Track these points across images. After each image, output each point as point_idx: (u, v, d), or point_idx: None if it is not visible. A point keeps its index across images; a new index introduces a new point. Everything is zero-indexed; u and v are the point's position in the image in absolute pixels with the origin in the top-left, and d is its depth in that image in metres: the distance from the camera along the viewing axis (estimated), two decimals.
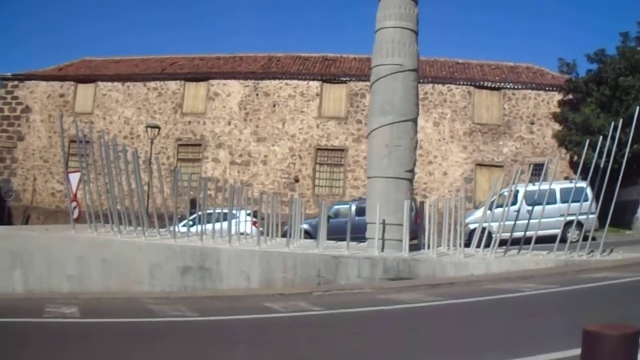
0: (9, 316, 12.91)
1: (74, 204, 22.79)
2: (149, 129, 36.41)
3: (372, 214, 16.34)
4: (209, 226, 17.80)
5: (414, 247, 17.17)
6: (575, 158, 32.90)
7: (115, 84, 40.94)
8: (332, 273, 15.51)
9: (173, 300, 14.59)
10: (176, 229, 17.30)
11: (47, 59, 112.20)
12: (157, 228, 17.72)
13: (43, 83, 42.09)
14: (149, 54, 45.53)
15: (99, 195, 18.36)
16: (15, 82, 42.34)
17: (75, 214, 21.90)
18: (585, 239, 17.55)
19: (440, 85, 37.45)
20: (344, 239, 16.95)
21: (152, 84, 40.40)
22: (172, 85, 40.08)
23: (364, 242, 17.28)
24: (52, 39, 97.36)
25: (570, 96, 35.47)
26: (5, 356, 9.38)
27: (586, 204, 18.70)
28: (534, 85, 37.25)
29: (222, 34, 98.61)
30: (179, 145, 39.55)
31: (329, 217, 21.44)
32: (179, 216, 19.65)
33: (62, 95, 41.44)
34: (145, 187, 23.13)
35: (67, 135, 34.05)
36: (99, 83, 41.24)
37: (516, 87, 37.10)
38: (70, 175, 23.93)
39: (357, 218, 21.64)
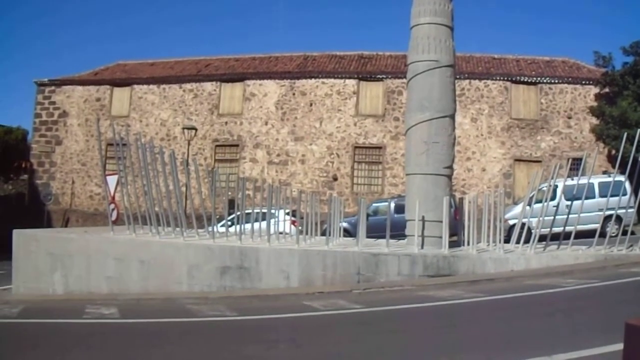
0: (50, 317, 13.04)
1: (112, 206, 22.91)
2: (185, 130, 36.58)
3: (411, 211, 16.23)
4: (248, 226, 17.79)
5: (453, 244, 17.03)
6: (613, 152, 32.49)
7: (151, 86, 41.19)
8: (371, 271, 15.43)
9: (212, 300, 14.59)
10: (215, 230, 17.32)
11: (83, 64, 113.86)
12: (196, 229, 17.73)
13: (79, 88, 42.51)
14: (183, 56, 45.91)
15: (137, 197, 18.41)
16: (52, 88, 42.80)
17: (114, 216, 22.02)
18: (625, 233, 17.24)
19: (477, 81, 37.19)
20: (383, 237, 16.86)
21: (187, 86, 40.56)
22: (208, 86, 40.21)
23: (404, 239, 17.18)
24: (86, 44, 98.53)
25: (607, 89, 35.02)
26: (47, 356, 9.44)
27: (625, 198, 18.39)
28: (570, 79, 36.83)
29: (257, 32, 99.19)
30: (216, 146, 39.67)
31: (368, 215, 21.37)
32: (218, 217, 19.67)
33: (98, 99, 41.80)
34: (183, 189, 23.14)
35: (104, 139, 34.28)
36: (135, 86, 41.53)
37: (553, 81, 36.71)
38: (108, 177, 24.05)
39: (396, 215, 21.57)
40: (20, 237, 17.82)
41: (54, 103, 42.52)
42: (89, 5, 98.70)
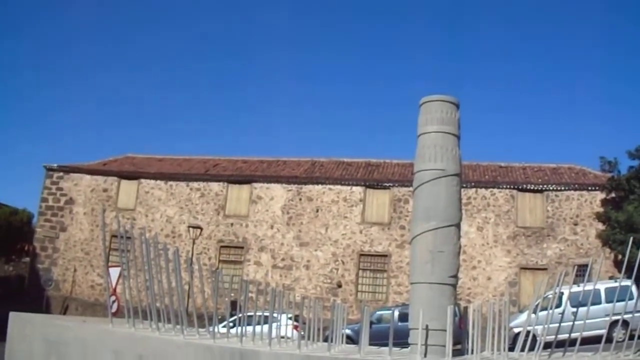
0: None
1: (113, 298, 22.81)
2: (191, 229, 36.67)
3: (415, 319, 16.02)
4: (250, 328, 17.61)
5: (457, 352, 16.76)
6: (620, 257, 32.36)
7: (158, 182, 41.78)
8: None
9: None
10: (215, 330, 17.13)
11: (91, 151, 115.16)
12: (197, 327, 17.54)
13: (87, 177, 43.17)
14: (191, 154, 46.89)
15: (138, 292, 18.30)
16: (61, 174, 43.52)
17: (114, 308, 21.90)
18: (632, 337, 17.03)
19: (483, 190, 37.47)
20: (386, 345, 16.65)
21: (195, 184, 41.04)
22: (215, 186, 40.67)
23: (407, 347, 16.97)
24: (98, 134, 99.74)
25: (613, 194, 35.23)
26: None
27: (631, 303, 18.23)
28: (576, 185, 37.24)
29: (266, 140, 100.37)
30: (221, 246, 39.87)
31: (371, 323, 21.17)
32: (219, 317, 19.48)
33: (105, 190, 42.20)
34: (186, 287, 23.04)
35: (108, 230, 34.46)
36: (142, 180, 42.10)
37: (559, 188, 37.09)
38: (111, 269, 24.01)
39: (400, 324, 21.36)
40: (17, 320, 17.54)
41: (61, 189, 43.11)
42: (103, 92, 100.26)
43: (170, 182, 41.68)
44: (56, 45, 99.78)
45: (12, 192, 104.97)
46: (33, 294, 39.13)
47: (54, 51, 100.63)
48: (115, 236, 29.99)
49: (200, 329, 17.99)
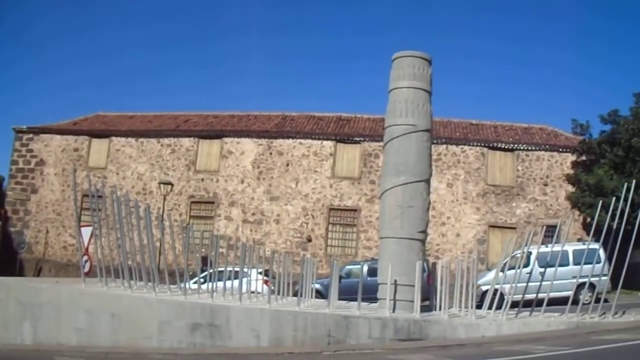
0: None
1: (85, 257, 22.81)
2: (162, 185, 36.61)
3: (384, 274, 16.24)
4: (220, 284, 17.74)
5: (425, 309, 17.03)
6: (588, 220, 32.66)
7: (129, 139, 41.33)
8: (342, 333, 15.37)
9: (181, 357, 14.52)
10: (187, 286, 17.25)
11: (62, 113, 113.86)
12: (168, 284, 17.66)
13: (58, 137, 42.55)
14: (162, 110, 45.99)
15: (110, 250, 18.35)
16: (30, 135, 42.81)
17: (87, 268, 21.91)
18: (598, 300, 17.35)
19: (454, 146, 37.54)
20: (355, 300, 16.85)
21: (165, 141, 40.69)
22: (186, 142, 40.36)
23: (376, 302, 17.16)
24: (66, 90, 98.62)
25: (584, 157, 35.44)
26: None
27: (599, 266, 18.52)
28: (547, 146, 37.30)
29: (236, 95, 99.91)
30: (192, 202, 39.68)
31: (340, 277, 21.34)
32: (191, 273, 19.60)
33: (76, 150, 41.80)
34: (157, 244, 23.06)
35: (80, 190, 34.23)
36: (113, 138, 41.65)
37: (529, 148, 37.15)
38: (83, 229, 23.96)
39: (369, 278, 21.52)
40: None
41: (31, 151, 42.47)
42: (70, 50, 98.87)
43: (141, 139, 41.26)
44: (24, 9, 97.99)
45: None
46: (6, 258, 38.88)
47: (22, 14, 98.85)
48: (87, 195, 30.01)
49: (172, 286, 18.17)
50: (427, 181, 17.33)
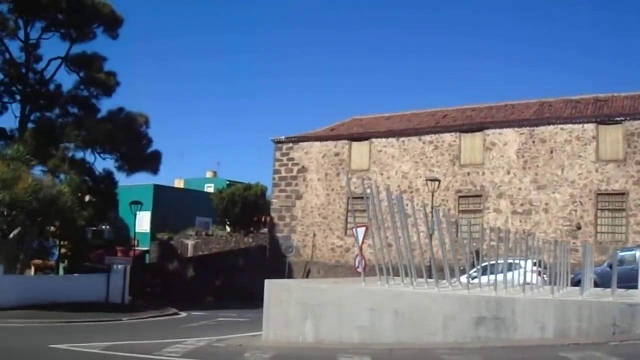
0: None
1: (360, 257, 23.57)
2: (429, 182, 37.04)
3: None
4: (499, 276, 17.75)
5: None
6: None
7: (390, 139, 42.10)
8: (627, 322, 14.81)
9: (467, 350, 14.49)
10: (462, 280, 17.39)
11: (316, 120, 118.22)
12: (448, 279, 17.89)
13: (317, 143, 44.32)
14: (418, 108, 46.55)
15: (382, 249, 18.85)
16: (290, 145, 44.96)
17: (362, 266, 22.66)
18: None
19: None
20: (629, 288, 16.30)
21: (427, 138, 41.07)
22: (448, 137, 40.54)
23: None
24: (320, 100, 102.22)
25: None
26: None
27: None
28: None
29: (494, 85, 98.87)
30: (460, 197, 39.88)
31: (609, 265, 20.72)
32: (461, 268, 19.74)
33: (337, 154, 43.18)
34: (426, 240, 23.45)
35: (345, 192, 35.47)
36: (373, 140, 42.64)
37: None
38: (358, 229, 24.74)
39: None
40: (272, 287, 18.49)
41: (292, 159, 44.54)
42: (320, 64, 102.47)
43: (402, 138, 41.81)
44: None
45: (244, 169, 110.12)
46: (274, 262, 41.00)
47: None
48: (354, 197, 30.95)
49: (441, 281, 18.37)
50: None
